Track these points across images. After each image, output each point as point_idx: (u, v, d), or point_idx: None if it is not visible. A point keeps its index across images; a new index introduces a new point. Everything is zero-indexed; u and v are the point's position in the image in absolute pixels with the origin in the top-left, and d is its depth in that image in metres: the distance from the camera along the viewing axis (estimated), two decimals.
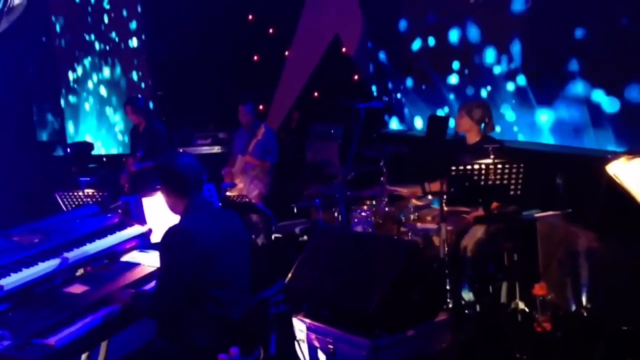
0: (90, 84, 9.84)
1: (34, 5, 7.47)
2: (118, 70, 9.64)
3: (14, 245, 3.29)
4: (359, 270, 3.56)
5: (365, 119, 5.37)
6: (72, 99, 9.88)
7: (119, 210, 3.93)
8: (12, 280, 3.01)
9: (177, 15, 8.83)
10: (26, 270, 3.11)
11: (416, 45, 7.67)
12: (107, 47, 9.68)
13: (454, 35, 7.04)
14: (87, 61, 9.82)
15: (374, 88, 8.57)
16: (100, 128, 9.79)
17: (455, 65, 7.06)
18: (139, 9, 9.41)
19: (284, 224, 5.84)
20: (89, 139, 9.56)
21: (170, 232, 3.05)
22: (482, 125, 5.09)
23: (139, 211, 4.03)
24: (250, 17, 8.98)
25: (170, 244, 3.04)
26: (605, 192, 4.31)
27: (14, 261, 3.15)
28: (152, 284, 3.39)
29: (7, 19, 6.93)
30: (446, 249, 4.54)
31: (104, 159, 9.02)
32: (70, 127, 9.83)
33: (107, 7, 9.63)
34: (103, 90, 9.78)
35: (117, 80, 9.66)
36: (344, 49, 8.68)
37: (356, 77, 8.63)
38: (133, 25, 9.49)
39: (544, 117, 5.99)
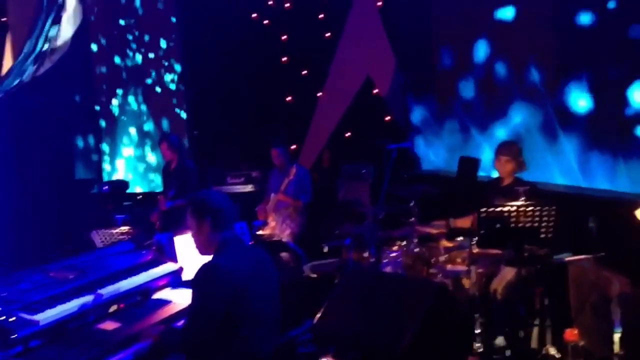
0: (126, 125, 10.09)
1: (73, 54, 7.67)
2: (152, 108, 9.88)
3: (50, 281, 3.38)
4: (388, 311, 3.55)
5: (396, 159, 5.40)
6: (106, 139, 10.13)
7: (153, 248, 4.01)
8: (47, 315, 3.10)
9: (213, 56, 9.06)
10: (61, 306, 3.19)
11: (451, 86, 7.73)
12: (144, 86, 9.93)
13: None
14: (123, 99, 10.07)
15: (405, 129, 8.63)
16: (135, 167, 10.00)
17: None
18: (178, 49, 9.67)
19: (314, 263, 5.86)
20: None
21: (203, 269, 3.09)
22: (519, 166, 5.09)
23: (172, 249, 4.10)
24: (284, 58, 9.16)
25: (202, 279, 3.07)
26: (638, 236, 4.27)
27: (50, 297, 3.24)
28: (182, 321, 3.44)
29: (50, 59, 7.18)
30: (476, 291, 4.51)
31: (138, 197, 9.18)
32: (106, 166, 10.07)
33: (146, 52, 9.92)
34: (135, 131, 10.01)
35: (153, 119, 9.89)
36: (375, 90, 8.78)
37: (388, 117, 8.71)
38: (172, 65, 9.75)
39: None
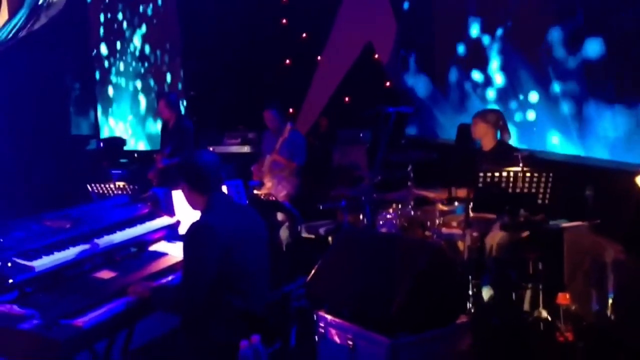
0: (123, 82, 10.02)
1: (72, 1, 7.61)
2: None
3: (46, 230, 3.37)
4: (382, 271, 3.57)
5: (394, 123, 5.38)
6: (106, 91, 10.05)
7: (149, 201, 4.01)
8: (43, 262, 3.09)
9: (211, 17, 8.96)
10: (57, 254, 3.19)
11: (450, 53, 7.69)
12: (142, 47, 9.85)
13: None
14: (120, 61, 9.99)
15: (404, 95, 8.59)
16: (132, 123, 9.96)
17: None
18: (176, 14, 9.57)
19: (310, 224, 5.88)
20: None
21: (193, 228, 3.09)
22: (498, 130, 5.12)
23: (169, 203, 4.10)
24: (284, 21, 9.07)
25: (193, 238, 3.08)
26: (634, 205, 4.28)
27: (46, 245, 3.23)
28: (176, 275, 3.45)
29: (46, 14, 7.10)
30: (470, 253, 4.53)
31: (135, 154, 9.17)
32: (107, 121, 10.02)
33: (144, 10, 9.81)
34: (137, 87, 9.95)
35: (149, 79, 9.82)
36: (376, 56, 8.72)
37: (388, 83, 8.66)
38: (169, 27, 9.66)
39: None
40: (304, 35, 9.07)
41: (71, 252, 3.25)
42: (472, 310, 4.39)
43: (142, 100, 10.02)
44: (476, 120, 5.26)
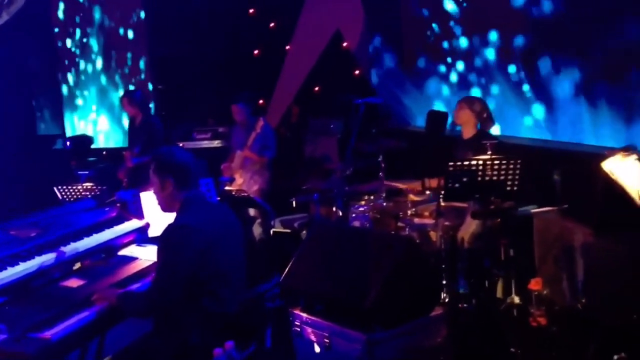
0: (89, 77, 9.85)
1: None
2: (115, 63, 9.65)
3: (11, 239, 3.31)
4: (355, 265, 3.58)
5: (364, 114, 5.37)
6: (70, 91, 9.88)
7: (117, 205, 3.95)
8: (9, 274, 3.05)
9: (177, 9, 8.83)
10: (23, 264, 3.14)
11: (417, 38, 7.68)
12: (107, 40, 9.68)
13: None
14: (85, 57, 9.82)
15: (373, 82, 8.58)
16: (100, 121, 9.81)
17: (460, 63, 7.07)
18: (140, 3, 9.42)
19: (283, 218, 5.87)
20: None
21: (171, 229, 3.04)
22: (480, 119, 5.12)
23: (137, 206, 4.04)
24: (251, 11, 8.97)
25: (170, 240, 3.03)
26: (601, 189, 4.33)
27: (11, 255, 3.18)
28: (146, 280, 3.40)
29: (7, 11, 6.94)
30: (443, 243, 4.56)
31: (104, 152, 9.03)
32: (72, 119, 9.84)
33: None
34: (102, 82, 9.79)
35: (115, 74, 9.67)
36: (345, 44, 8.68)
37: (357, 72, 8.63)
38: (134, 18, 9.50)
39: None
40: (272, 24, 8.99)
41: (37, 262, 3.20)
42: (447, 300, 4.41)
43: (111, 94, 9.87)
44: (462, 105, 5.20)
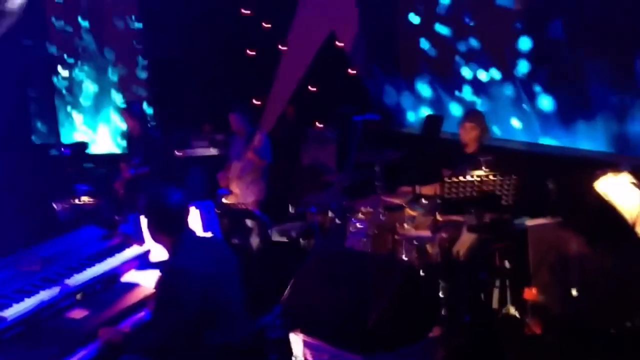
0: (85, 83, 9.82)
1: (30, 7, 7.43)
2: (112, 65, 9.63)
3: (15, 274, 3.37)
4: (356, 290, 3.64)
5: (362, 130, 5.42)
6: (65, 98, 9.86)
7: (119, 234, 3.99)
8: (15, 311, 3.10)
9: (171, 9, 8.80)
10: (28, 300, 3.19)
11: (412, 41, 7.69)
12: (103, 45, 9.66)
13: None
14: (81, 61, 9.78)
15: (367, 82, 8.59)
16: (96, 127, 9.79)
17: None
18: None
19: (281, 227, 5.89)
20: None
21: (167, 274, 3.06)
22: (483, 135, 5.21)
23: (138, 230, 4.06)
24: (246, 11, 8.95)
25: (168, 286, 3.04)
26: (595, 203, 4.39)
27: (15, 290, 3.24)
28: (146, 310, 3.45)
29: (1, 23, 6.93)
30: (439, 256, 4.62)
31: (100, 158, 9.02)
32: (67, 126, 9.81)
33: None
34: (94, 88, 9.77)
35: (112, 77, 9.65)
36: (339, 43, 8.67)
37: (352, 71, 8.63)
38: (130, 21, 9.48)
39: None
40: (266, 25, 8.96)
41: (42, 297, 3.26)
42: (444, 314, 4.48)
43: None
44: (472, 125, 5.18)
